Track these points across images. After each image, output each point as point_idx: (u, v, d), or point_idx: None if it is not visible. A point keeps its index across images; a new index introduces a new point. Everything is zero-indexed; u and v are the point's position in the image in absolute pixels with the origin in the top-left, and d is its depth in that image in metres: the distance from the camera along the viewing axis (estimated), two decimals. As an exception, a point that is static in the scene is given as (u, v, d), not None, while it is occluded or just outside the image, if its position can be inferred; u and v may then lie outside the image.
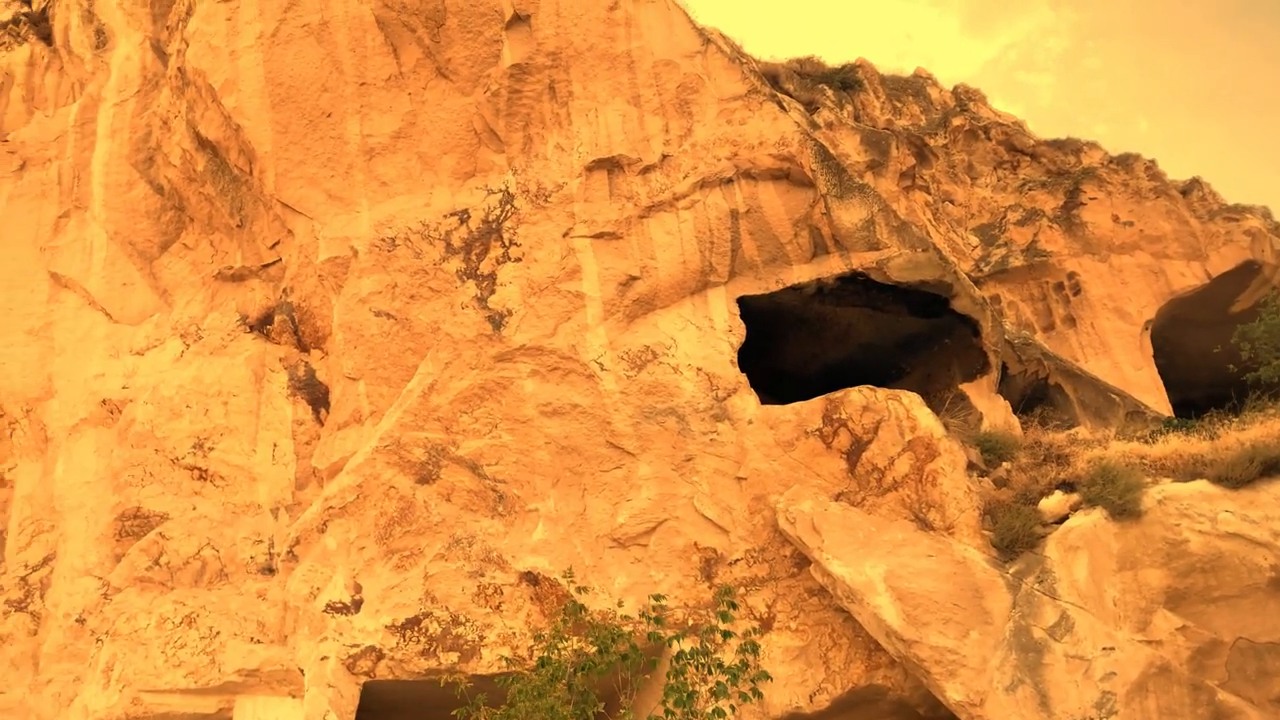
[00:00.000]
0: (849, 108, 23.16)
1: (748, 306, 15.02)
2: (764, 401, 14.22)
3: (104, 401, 16.15)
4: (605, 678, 10.53)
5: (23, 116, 20.26)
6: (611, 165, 14.94)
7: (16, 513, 15.98)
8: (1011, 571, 11.74)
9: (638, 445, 13.54)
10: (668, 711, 9.58)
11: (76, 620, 14.06)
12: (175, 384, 15.55)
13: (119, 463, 15.25)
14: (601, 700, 10.28)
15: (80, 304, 17.58)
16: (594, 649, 10.45)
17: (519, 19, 15.29)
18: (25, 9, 21.81)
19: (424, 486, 13.63)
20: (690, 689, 9.91)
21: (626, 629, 11.13)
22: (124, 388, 16.27)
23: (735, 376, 14.03)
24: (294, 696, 12.64)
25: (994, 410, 16.24)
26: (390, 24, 15.67)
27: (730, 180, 14.85)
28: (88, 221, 18.18)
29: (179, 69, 17.29)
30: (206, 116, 16.66)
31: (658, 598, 11.42)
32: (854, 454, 13.35)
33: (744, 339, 14.65)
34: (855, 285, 15.48)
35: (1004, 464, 13.41)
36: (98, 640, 13.62)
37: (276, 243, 16.65)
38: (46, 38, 21.11)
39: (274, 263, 16.77)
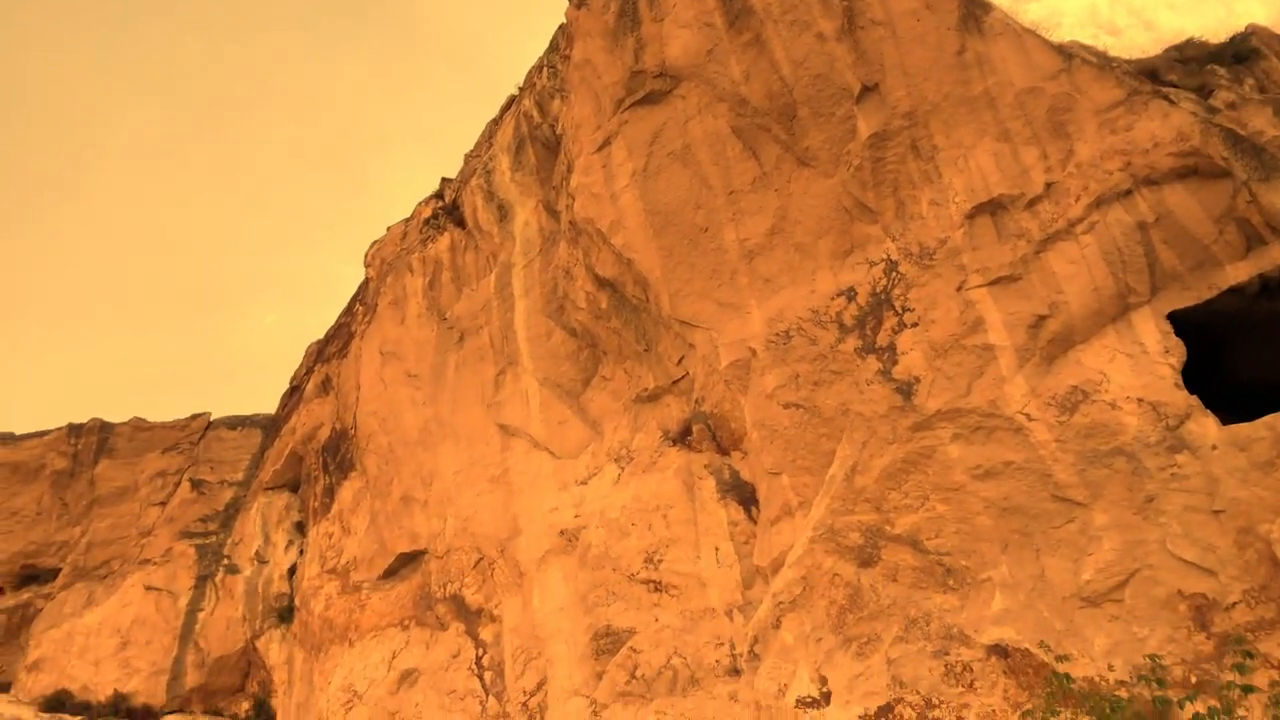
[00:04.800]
0: (1249, 81, 20.50)
1: (1180, 321, 13.54)
2: (1223, 421, 12.62)
3: (561, 532, 17.70)
4: (1111, 751, 9.60)
5: (454, 295, 23.30)
6: (993, 207, 14.32)
7: (508, 644, 17.80)
8: None
9: (1087, 494, 12.49)
10: (1198, 783, 8.49)
11: (573, 738, 15.23)
12: (618, 506, 16.72)
13: (583, 586, 16.55)
14: (1112, 777, 9.37)
15: (527, 448, 19.58)
16: (1091, 719, 9.57)
17: (867, 89, 15.31)
18: (441, 204, 25.32)
19: (867, 570, 13.45)
20: (1222, 755, 8.72)
21: (1123, 695, 10.10)
22: (575, 517, 17.75)
23: (1185, 400, 12.61)
24: (782, 796, 12.73)
25: None
26: (745, 130, 16.33)
27: (1129, 191, 13.67)
28: (520, 374, 20.35)
29: (570, 222, 19.10)
30: (600, 258, 18.17)
31: (1155, 657, 10.28)
32: (1353, 463, 11.41)
33: (1184, 358, 13.19)
34: (1308, 272, 13.47)
35: None
36: (594, 755, 14.62)
37: (681, 358, 17.60)
38: (460, 223, 24.30)
39: (682, 378, 17.71)
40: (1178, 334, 13.35)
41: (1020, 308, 13.60)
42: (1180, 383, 12.81)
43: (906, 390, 13.91)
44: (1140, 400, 12.70)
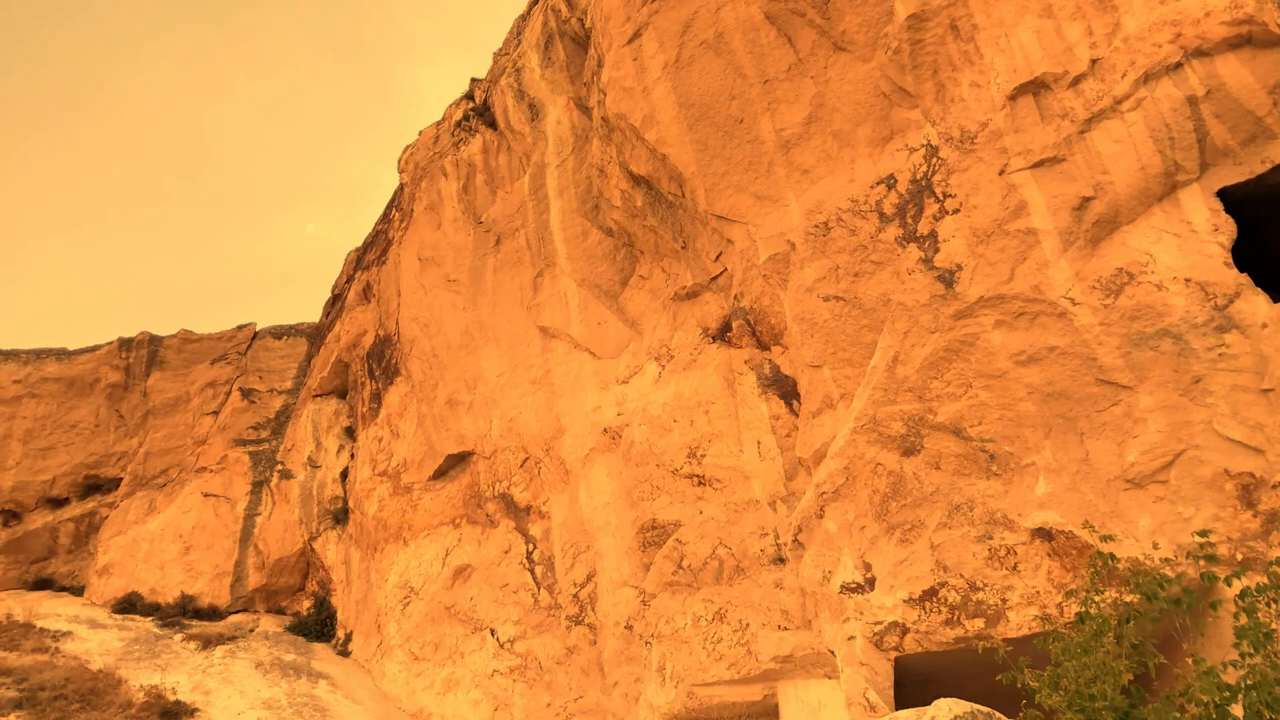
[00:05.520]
0: (1308, -60, 19.58)
1: (1231, 198, 13.19)
2: (1275, 299, 12.39)
3: (605, 430, 17.93)
4: (1155, 626, 9.72)
5: (489, 198, 23.22)
6: (1036, 87, 13.89)
7: (558, 539, 18.26)
8: None
9: (1132, 377, 12.40)
10: (1243, 654, 8.57)
11: (625, 627, 15.71)
12: (660, 403, 16.88)
13: (629, 481, 16.84)
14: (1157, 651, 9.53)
15: (567, 349, 19.72)
16: (1136, 597, 9.69)
17: (904, -32, 14.79)
18: (471, 105, 25.03)
19: (910, 458, 13.54)
20: (1268, 628, 8.77)
21: (1170, 572, 10.21)
22: (618, 415, 17.96)
23: (1234, 279, 12.36)
24: (829, 678, 13.11)
25: None
26: (779, 16, 15.89)
27: (1179, 65, 13.17)
28: (558, 276, 20.38)
29: (602, 118, 18.84)
30: (634, 155, 17.96)
31: (1204, 533, 10.31)
32: None
33: (1234, 236, 12.89)
34: (1365, 143, 13.00)
35: None
36: (646, 643, 15.09)
37: (719, 254, 17.50)
38: (492, 124, 24.06)
39: (720, 274, 17.64)
40: (1228, 211, 13.03)
41: (1064, 190, 13.31)
42: (1230, 261, 12.55)
43: (948, 278, 13.77)
44: (1188, 280, 12.47)
